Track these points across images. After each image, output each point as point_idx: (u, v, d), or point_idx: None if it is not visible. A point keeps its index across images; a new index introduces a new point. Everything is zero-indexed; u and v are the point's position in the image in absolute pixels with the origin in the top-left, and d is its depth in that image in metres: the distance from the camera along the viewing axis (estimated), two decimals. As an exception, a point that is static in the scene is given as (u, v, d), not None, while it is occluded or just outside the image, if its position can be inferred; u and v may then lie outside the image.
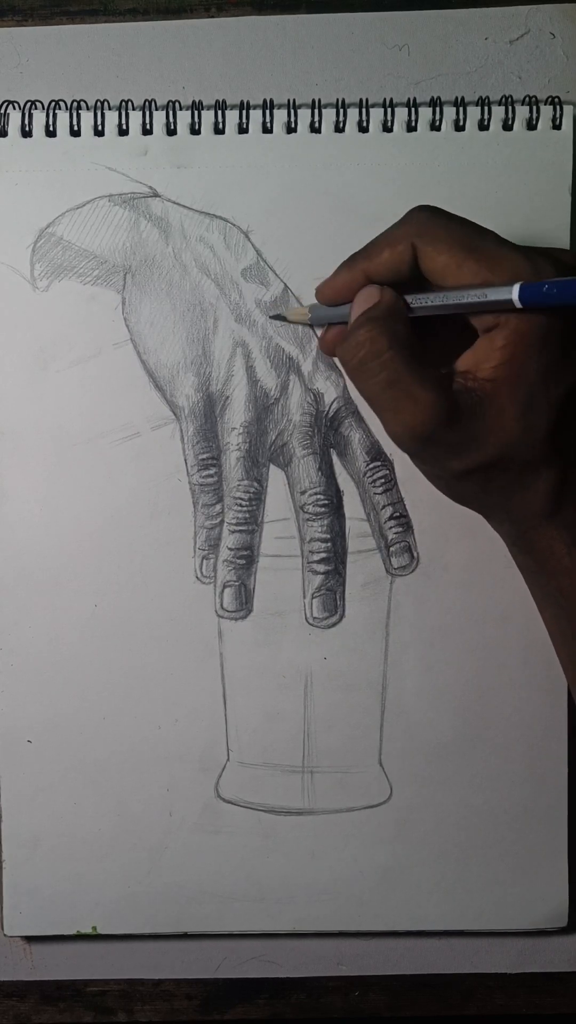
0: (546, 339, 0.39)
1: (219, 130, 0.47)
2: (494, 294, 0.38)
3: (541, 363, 0.39)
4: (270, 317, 0.48)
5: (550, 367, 0.39)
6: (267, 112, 0.47)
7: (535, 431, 0.40)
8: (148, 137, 0.47)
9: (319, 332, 0.47)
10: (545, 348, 0.39)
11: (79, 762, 0.49)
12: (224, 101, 0.47)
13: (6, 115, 0.47)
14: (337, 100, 0.47)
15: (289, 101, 0.47)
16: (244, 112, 0.47)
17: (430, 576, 0.49)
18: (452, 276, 0.40)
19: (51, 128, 0.47)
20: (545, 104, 0.47)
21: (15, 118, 0.47)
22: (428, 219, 0.41)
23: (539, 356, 0.39)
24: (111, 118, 0.47)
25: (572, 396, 0.40)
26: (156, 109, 0.47)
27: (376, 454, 0.48)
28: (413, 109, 0.47)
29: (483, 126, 0.47)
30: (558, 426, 0.40)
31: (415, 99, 0.47)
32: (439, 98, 0.47)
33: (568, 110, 0.47)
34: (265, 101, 0.47)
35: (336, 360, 0.48)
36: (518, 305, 0.38)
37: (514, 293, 0.38)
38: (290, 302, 0.48)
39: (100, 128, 0.47)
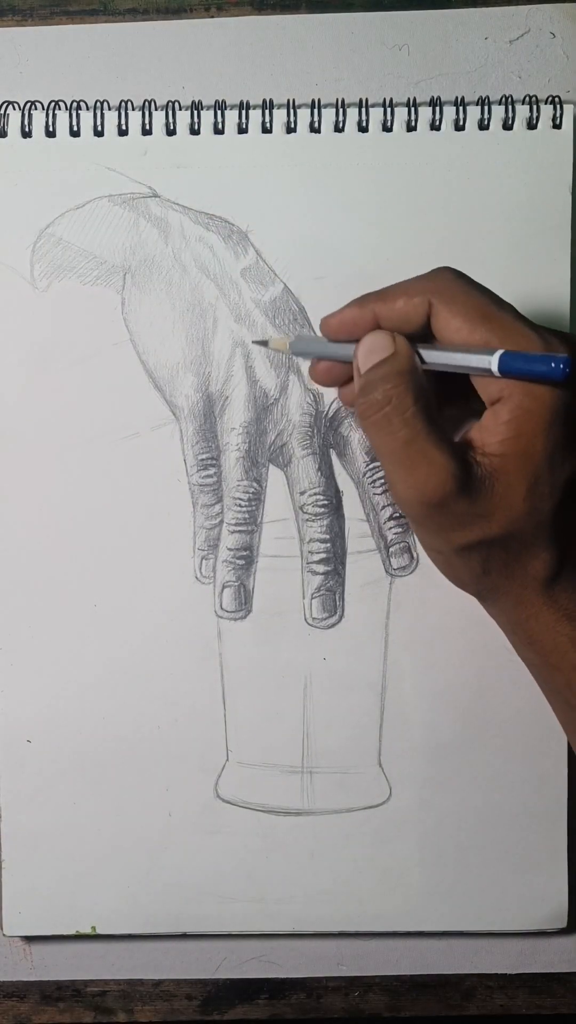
0: (553, 418, 0.38)
1: (219, 130, 0.47)
2: (476, 360, 0.38)
3: (548, 442, 0.38)
4: (252, 342, 0.47)
5: (556, 447, 0.38)
6: (267, 112, 0.47)
7: (540, 512, 0.39)
8: (148, 137, 0.47)
9: (308, 363, 0.46)
10: (552, 427, 0.38)
11: (79, 762, 0.49)
12: (224, 101, 0.47)
13: (6, 115, 0.47)
14: (337, 100, 0.47)
15: (289, 101, 0.47)
16: (244, 112, 0.47)
17: (430, 576, 0.48)
18: (463, 340, 0.39)
19: (51, 128, 0.47)
20: (545, 104, 0.47)
21: (15, 118, 0.47)
22: (450, 280, 0.40)
23: (545, 435, 0.38)
24: (111, 118, 0.47)
25: (574, 479, 0.39)
26: (156, 109, 0.47)
27: (376, 455, 0.48)
28: (413, 109, 0.47)
29: (483, 126, 0.47)
30: (560, 508, 0.39)
31: (415, 99, 0.47)
32: (439, 98, 0.47)
33: (568, 109, 0.47)
34: (265, 101, 0.47)
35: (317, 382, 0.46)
36: (496, 373, 0.38)
37: (494, 363, 0.37)
38: (289, 302, 0.48)
39: (100, 128, 0.47)
